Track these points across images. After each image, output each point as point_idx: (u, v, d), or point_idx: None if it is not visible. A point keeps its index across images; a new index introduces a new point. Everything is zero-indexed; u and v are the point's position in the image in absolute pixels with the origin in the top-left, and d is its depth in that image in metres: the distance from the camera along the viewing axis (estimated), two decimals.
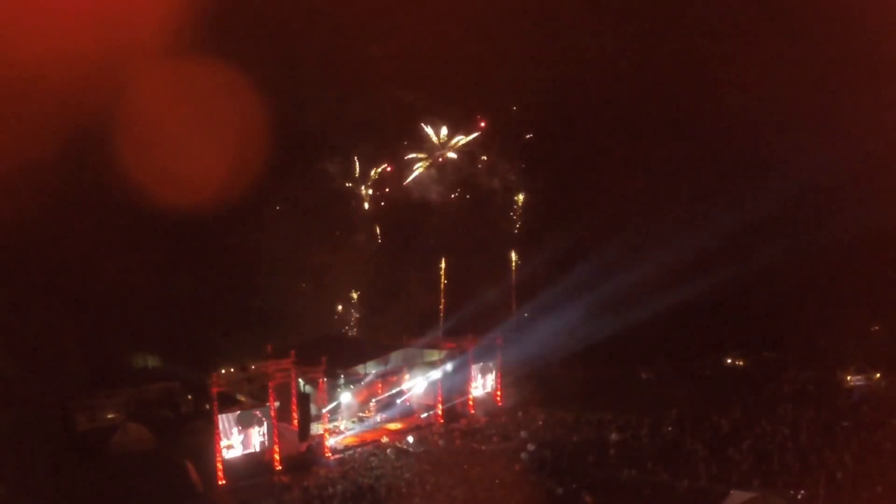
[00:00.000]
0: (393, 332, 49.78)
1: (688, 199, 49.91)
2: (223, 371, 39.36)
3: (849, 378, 42.31)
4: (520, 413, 44.27)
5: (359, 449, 38.43)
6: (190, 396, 43.03)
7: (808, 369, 44.83)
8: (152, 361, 47.72)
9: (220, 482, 32.67)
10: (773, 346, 49.23)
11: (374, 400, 43.71)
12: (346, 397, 40.63)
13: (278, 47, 46.02)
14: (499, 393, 47.36)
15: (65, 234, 37.85)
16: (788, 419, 37.82)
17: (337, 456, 37.35)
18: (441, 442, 39.52)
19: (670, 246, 50.60)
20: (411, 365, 43.15)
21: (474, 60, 46.95)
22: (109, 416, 39.32)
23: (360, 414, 43.17)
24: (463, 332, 46.43)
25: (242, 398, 39.77)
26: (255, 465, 34.27)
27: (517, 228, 57.95)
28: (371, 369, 40.86)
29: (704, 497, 30.58)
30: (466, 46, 45.61)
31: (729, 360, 52.91)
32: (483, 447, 38.50)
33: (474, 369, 45.85)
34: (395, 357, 42.19)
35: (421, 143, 54.05)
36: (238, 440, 34.08)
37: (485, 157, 54.76)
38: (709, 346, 52.05)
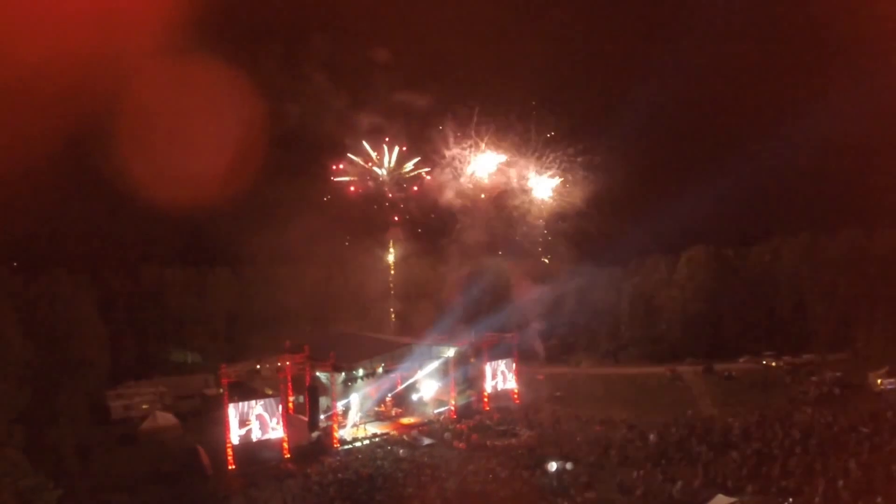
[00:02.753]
0: (421, 330, 51.31)
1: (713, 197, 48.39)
2: (254, 364, 41.86)
3: (879, 381, 39.79)
4: (530, 412, 44.65)
5: (367, 441, 40.02)
6: (221, 389, 46.06)
7: (838, 371, 42.56)
8: (192, 357, 51.33)
9: (229, 466, 35.22)
10: (806, 348, 46.74)
11: (389, 395, 45.43)
12: (358, 392, 42.38)
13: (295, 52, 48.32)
14: (516, 390, 48.04)
15: (102, 237, 41.81)
16: (804, 423, 36.35)
17: (346, 447, 39.06)
18: (448, 437, 40.53)
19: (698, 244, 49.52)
20: (423, 362, 44.42)
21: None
22: (144, 405, 42.77)
23: (376, 408, 44.94)
24: (480, 330, 47.11)
25: (270, 391, 42.41)
26: (264, 451, 36.41)
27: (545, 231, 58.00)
28: (378, 365, 42.36)
29: (692, 500, 30.07)
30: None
31: (764, 362, 50.99)
32: (487, 443, 39.20)
33: (489, 367, 46.65)
34: (404, 354, 43.45)
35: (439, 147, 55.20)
36: (248, 428, 36.34)
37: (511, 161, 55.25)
38: (739, 347, 50.26)
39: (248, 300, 56.48)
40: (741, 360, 50.36)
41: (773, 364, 48.95)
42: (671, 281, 54.74)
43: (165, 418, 40.49)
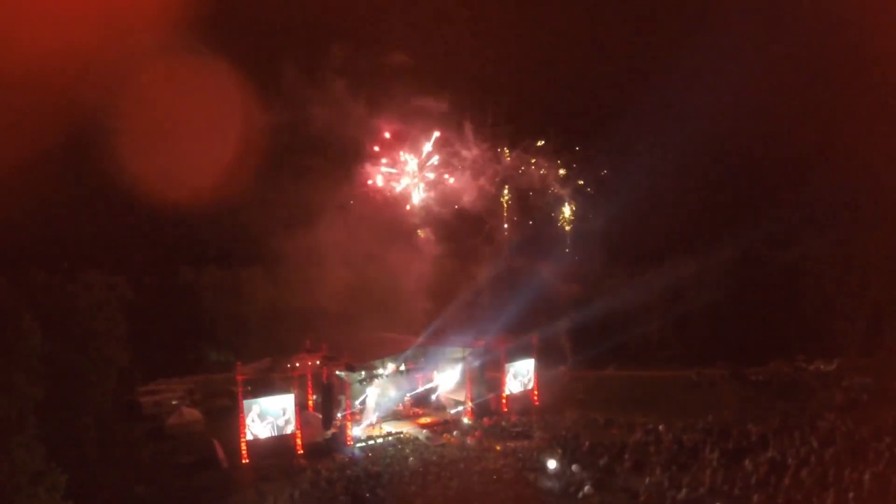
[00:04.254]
0: (447, 331, 51.67)
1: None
2: (269, 363, 43.42)
3: None
4: (548, 413, 44.40)
5: (381, 440, 40.82)
6: (250, 388, 47.81)
7: (868, 377, 40.38)
8: (224, 356, 53.42)
9: (243, 460, 36.78)
10: (838, 351, 44.56)
11: (408, 395, 46.24)
12: (375, 391, 43.36)
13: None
14: (535, 392, 47.81)
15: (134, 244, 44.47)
16: (824, 431, 34.79)
17: (360, 445, 39.93)
18: (461, 437, 40.84)
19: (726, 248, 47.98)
20: (437, 362, 44.90)
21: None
22: (174, 401, 45.07)
23: (395, 408, 45.70)
24: (501, 330, 47.14)
25: (294, 390, 43.93)
26: (278, 447, 37.73)
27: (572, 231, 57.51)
28: (388, 365, 43.10)
29: None
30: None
31: (813, 366, 48.85)
32: (498, 445, 39.27)
33: (508, 367, 46.55)
34: (415, 354, 44.05)
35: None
36: (263, 424, 37.93)
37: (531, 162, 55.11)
38: (772, 350, 48.36)
39: (282, 300, 58.44)
40: (773, 363, 48.60)
41: (804, 368, 47.06)
42: (702, 282, 53.34)
43: (191, 414, 42.49)
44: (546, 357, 52.98)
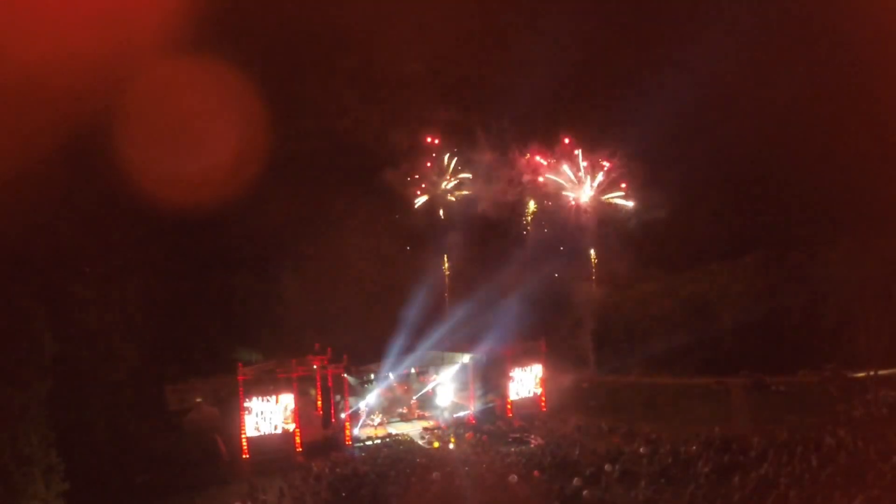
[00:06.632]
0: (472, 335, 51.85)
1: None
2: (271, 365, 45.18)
3: None
4: (553, 420, 43.64)
5: (379, 440, 41.88)
6: (273, 386, 49.97)
7: (893, 390, 36.71)
8: (254, 356, 55.99)
9: (244, 455, 38.94)
10: (866, 361, 40.73)
11: (414, 397, 46.89)
12: (377, 393, 44.33)
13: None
14: (543, 398, 47.08)
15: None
16: (828, 448, 32.05)
17: (357, 445, 41.21)
18: (458, 441, 41.05)
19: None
20: (437, 367, 45.26)
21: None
22: (197, 399, 47.44)
23: (400, 410, 46.63)
24: (506, 335, 46.76)
25: (312, 391, 45.81)
26: (278, 444, 39.58)
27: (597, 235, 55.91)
28: (391, 367, 43.87)
29: None
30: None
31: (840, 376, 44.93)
32: (491, 450, 39.13)
33: (515, 373, 46.30)
34: (414, 359, 44.35)
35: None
36: (263, 422, 39.89)
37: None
38: (800, 359, 44.99)
39: (313, 303, 60.67)
40: (800, 373, 45.27)
41: (831, 378, 43.39)
42: (729, 288, 50.47)
43: (209, 412, 44.72)
44: (566, 362, 52.26)
